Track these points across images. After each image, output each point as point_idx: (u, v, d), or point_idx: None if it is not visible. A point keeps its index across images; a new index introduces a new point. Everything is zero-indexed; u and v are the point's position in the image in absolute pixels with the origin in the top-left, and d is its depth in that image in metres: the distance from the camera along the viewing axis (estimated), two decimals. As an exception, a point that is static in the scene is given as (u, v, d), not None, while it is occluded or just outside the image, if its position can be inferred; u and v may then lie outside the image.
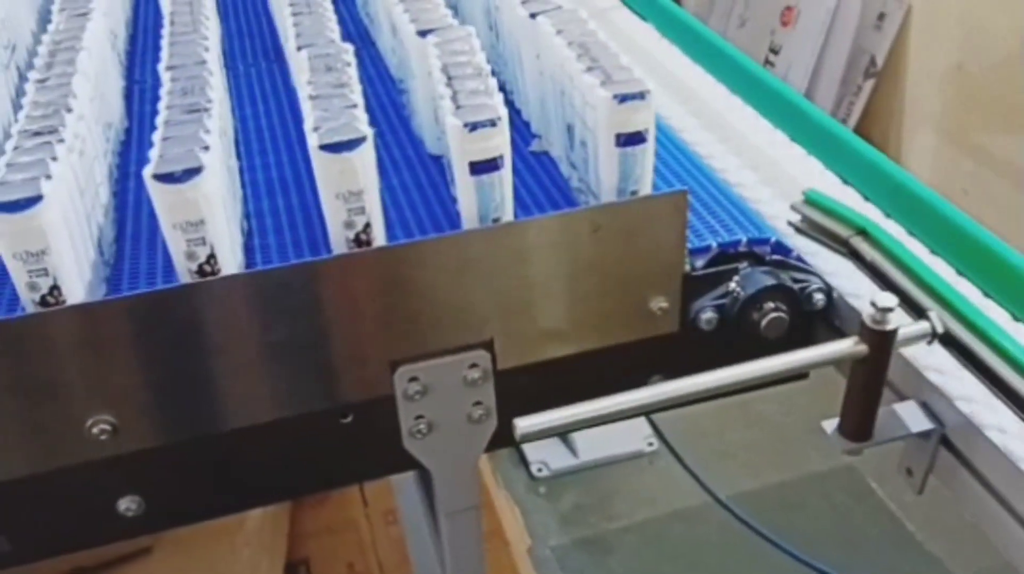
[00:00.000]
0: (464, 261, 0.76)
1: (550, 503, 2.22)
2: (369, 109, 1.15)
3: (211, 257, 0.73)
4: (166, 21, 1.04)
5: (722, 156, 1.06)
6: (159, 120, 0.80)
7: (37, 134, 0.80)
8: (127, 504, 0.80)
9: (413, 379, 0.79)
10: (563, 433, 0.73)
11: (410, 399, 0.79)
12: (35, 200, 0.70)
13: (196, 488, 0.85)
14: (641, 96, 0.76)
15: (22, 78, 1.21)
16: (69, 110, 0.84)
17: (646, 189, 0.82)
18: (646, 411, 0.76)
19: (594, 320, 0.82)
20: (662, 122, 1.11)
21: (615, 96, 0.77)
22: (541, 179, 0.94)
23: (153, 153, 0.74)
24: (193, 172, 0.71)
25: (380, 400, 0.80)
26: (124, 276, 0.85)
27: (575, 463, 2.27)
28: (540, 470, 2.26)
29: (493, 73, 0.85)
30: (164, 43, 0.97)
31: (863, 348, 0.72)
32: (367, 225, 0.76)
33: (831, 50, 3.02)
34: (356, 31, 1.35)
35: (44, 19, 1.40)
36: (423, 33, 0.92)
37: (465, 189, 0.77)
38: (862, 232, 0.84)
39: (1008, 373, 0.71)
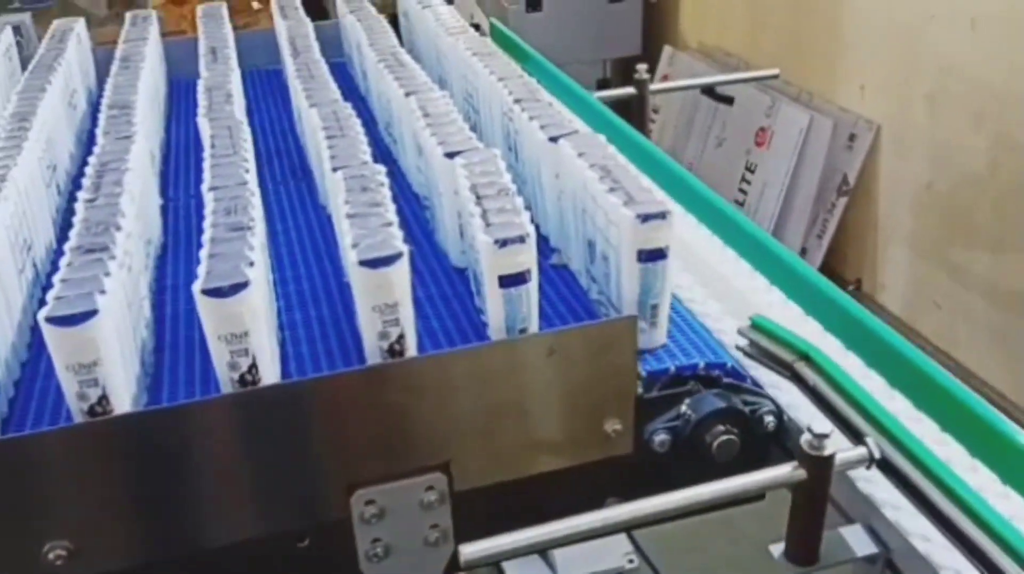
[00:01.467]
0: (422, 385, 0.75)
1: (527, 624, 2.14)
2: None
3: (252, 367, 0.73)
4: (207, 144, 1.05)
5: (690, 287, 1.05)
6: (205, 238, 0.80)
7: (89, 251, 0.80)
8: None
9: (370, 502, 0.76)
10: (509, 558, 0.70)
11: (367, 522, 0.76)
12: (91, 314, 0.69)
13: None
14: (662, 216, 0.77)
15: (60, 196, 1.22)
16: (119, 228, 0.84)
17: (665, 303, 0.82)
18: (590, 536, 0.74)
19: (550, 442, 0.80)
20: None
21: (638, 215, 0.77)
22: (561, 291, 0.94)
23: (201, 269, 0.74)
24: (240, 287, 0.71)
25: (337, 523, 0.77)
26: (164, 386, 0.85)
27: (556, 582, 2.20)
28: (520, 590, 2.19)
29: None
30: (206, 165, 0.98)
31: (802, 473, 0.71)
32: (401, 336, 0.76)
33: (804, 169, 3.05)
34: (378, 151, 1.37)
35: (80, 140, 1.42)
36: (451, 155, 0.94)
37: (494, 301, 0.77)
38: (805, 357, 0.83)
39: (942, 500, 0.69)
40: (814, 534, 0.73)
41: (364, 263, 0.73)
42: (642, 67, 1.63)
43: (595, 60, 4.10)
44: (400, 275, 0.74)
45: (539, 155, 0.97)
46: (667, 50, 3.99)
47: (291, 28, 1.55)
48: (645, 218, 0.77)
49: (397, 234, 0.78)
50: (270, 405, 0.72)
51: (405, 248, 0.76)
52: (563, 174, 0.92)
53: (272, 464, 0.74)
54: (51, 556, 0.70)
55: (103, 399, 0.72)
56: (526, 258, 0.76)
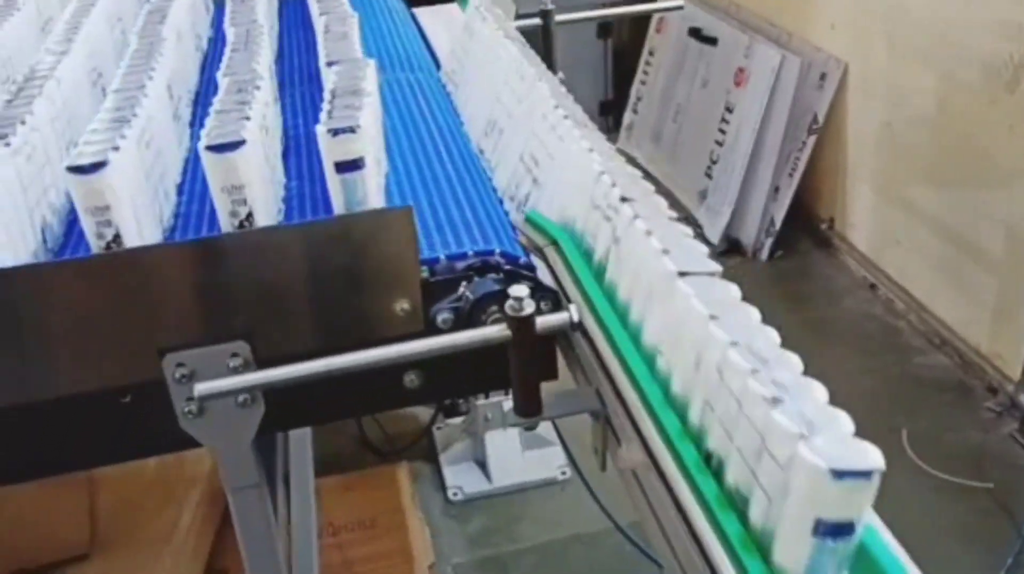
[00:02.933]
0: (217, 261, 0.80)
1: (460, 525, 2.25)
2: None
3: (117, 237, 0.82)
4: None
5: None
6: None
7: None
8: None
9: (180, 365, 0.81)
10: (241, 394, 0.82)
11: (179, 383, 0.82)
12: (102, 165, 0.80)
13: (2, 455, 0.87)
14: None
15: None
16: (23, 122, 0.93)
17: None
18: (313, 382, 0.77)
19: (345, 318, 0.85)
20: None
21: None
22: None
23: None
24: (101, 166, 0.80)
25: (155, 383, 0.82)
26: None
27: (489, 488, 2.30)
28: (455, 494, 2.30)
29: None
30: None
31: (508, 333, 0.77)
32: (249, 214, 0.83)
33: (775, 108, 3.07)
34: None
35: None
36: (330, 64, 1.02)
37: (334, 186, 0.84)
38: (555, 243, 0.89)
39: (615, 366, 0.74)
40: (531, 388, 0.79)
41: (210, 148, 0.81)
42: (547, -4, 1.66)
43: (594, 5, 4.10)
44: (245, 160, 0.82)
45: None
46: (666, -6, 3.99)
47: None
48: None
49: (250, 126, 0.85)
50: (87, 273, 0.79)
51: (255, 136, 0.83)
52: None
53: (91, 326, 0.80)
54: None
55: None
56: (359, 147, 0.83)
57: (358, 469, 2.35)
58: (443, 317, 0.86)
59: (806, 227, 3.28)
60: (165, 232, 0.95)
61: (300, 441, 1.88)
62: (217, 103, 0.92)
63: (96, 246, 0.82)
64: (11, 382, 0.82)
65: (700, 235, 3.34)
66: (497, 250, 0.89)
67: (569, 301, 0.82)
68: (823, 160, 3.11)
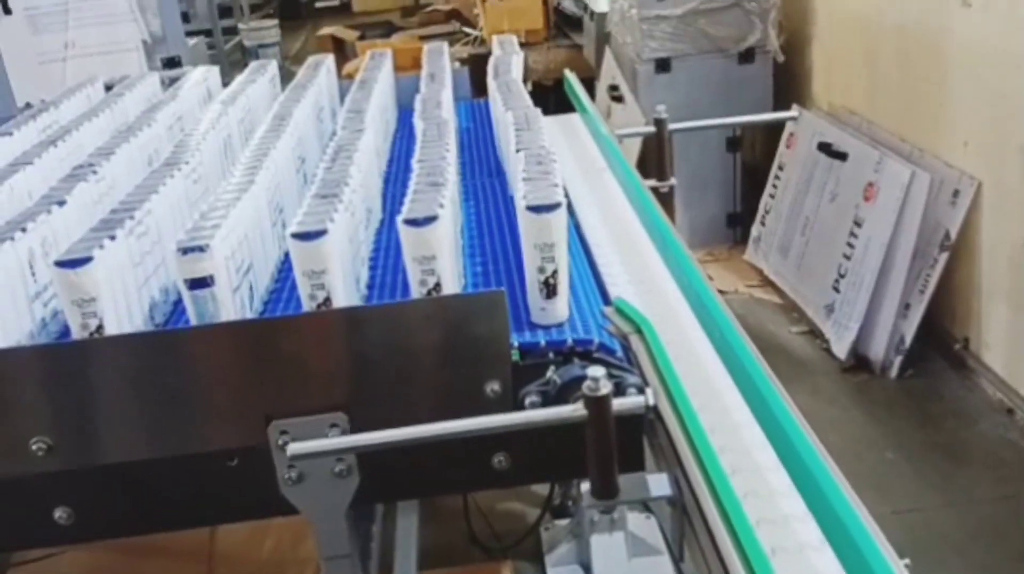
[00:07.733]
0: (315, 338, 0.88)
1: (561, 627, 2.30)
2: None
3: (327, 299, 0.96)
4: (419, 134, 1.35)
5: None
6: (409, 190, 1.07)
7: (323, 197, 1.07)
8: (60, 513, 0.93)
9: (284, 432, 0.89)
10: (331, 456, 0.86)
11: (282, 449, 0.88)
12: (322, 233, 0.95)
13: (116, 508, 0.95)
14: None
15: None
16: (347, 183, 1.11)
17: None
18: (399, 447, 0.83)
19: (437, 397, 0.91)
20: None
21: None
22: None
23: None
24: (431, 219, 0.96)
25: (259, 448, 0.90)
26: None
27: (591, 588, 2.37)
28: (559, 596, 2.38)
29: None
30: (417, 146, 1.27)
31: (583, 412, 0.82)
32: (555, 272, 0.95)
33: (905, 223, 3.15)
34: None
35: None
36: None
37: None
38: (639, 331, 0.96)
39: (688, 456, 0.79)
40: (607, 471, 0.83)
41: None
42: (661, 107, 1.83)
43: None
44: (558, 220, 0.94)
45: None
46: (794, 109, 4.18)
47: (498, 59, 1.87)
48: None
49: (558, 192, 0.97)
50: (194, 343, 0.89)
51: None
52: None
53: (199, 394, 0.89)
54: (33, 447, 0.89)
55: (327, 300, 0.96)
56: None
57: (464, 564, 2.47)
58: (531, 399, 0.91)
59: (939, 346, 3.32)
60: (362, 298, 1.10)
61: (406, 532, 1.97)
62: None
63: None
64: (136, 438, 0.91)
65: (827, 350, 3.43)
66: (596, 340, 0.97)
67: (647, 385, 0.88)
68: (957, 278, 3.17)
